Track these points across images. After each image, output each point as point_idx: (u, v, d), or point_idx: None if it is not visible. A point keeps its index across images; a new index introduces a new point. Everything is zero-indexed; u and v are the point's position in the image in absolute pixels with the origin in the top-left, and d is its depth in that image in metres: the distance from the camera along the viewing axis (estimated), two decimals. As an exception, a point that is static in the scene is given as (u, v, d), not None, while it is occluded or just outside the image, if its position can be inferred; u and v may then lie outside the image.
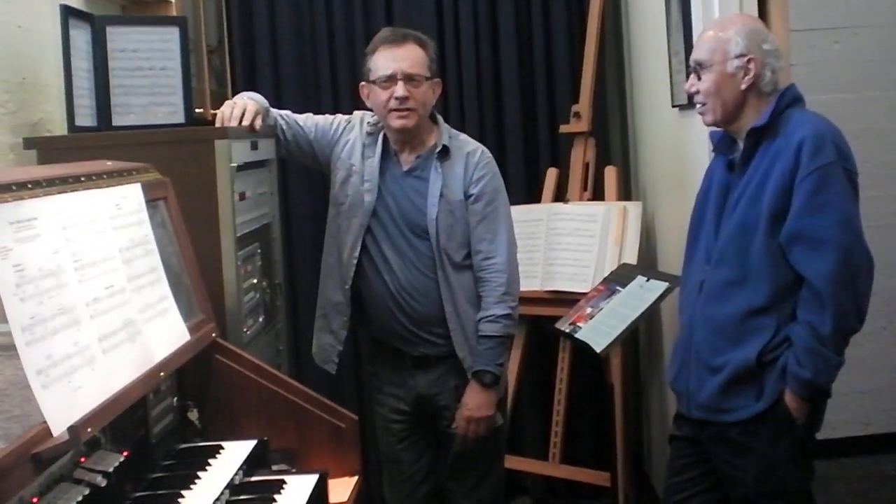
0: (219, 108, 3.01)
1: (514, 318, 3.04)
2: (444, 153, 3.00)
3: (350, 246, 3.02)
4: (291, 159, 3.29)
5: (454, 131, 3.11)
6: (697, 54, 2.63)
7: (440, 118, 3.09)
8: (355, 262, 3.02)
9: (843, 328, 2.44)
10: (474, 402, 2.97)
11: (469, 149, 3.05)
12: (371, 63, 2.99)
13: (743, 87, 2.57)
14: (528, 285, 4.01)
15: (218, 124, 2.88)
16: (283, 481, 2.13)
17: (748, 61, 2.55)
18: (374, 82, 2.97)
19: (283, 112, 3.14)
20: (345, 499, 2.25)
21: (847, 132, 2.56)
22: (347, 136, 3.09)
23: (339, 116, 3.17)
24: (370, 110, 3.10)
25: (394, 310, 3.01)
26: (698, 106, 2.67)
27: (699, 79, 2.62)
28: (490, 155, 3.08)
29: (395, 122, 2.95)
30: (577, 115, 4.22)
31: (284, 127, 3.10)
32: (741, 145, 2.62)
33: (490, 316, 2.97)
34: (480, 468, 3.12)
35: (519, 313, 3.97)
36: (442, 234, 2.95)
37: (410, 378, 3.08)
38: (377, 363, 3.19)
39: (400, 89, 2.91)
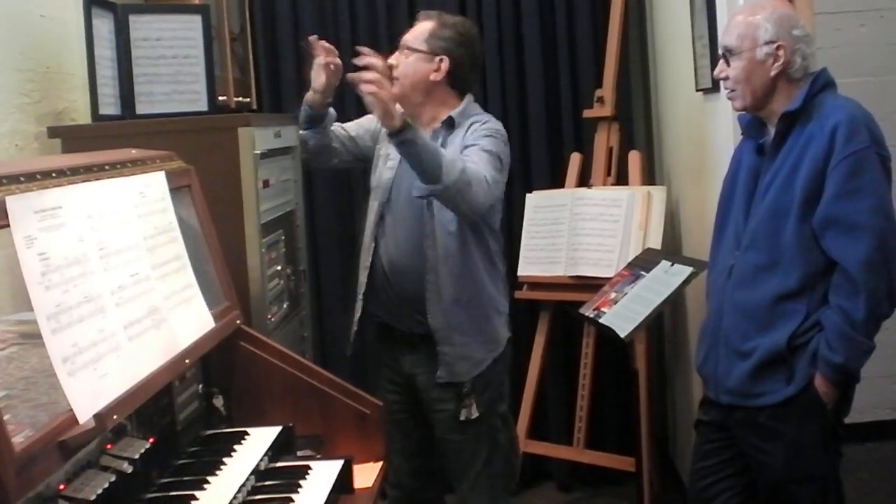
0: (241, 95, 3.02)
1: (454, 179, 2.62)
2: (450, 124, 2.96)
3: (370, 228, 3.02)
4: (341, 165, 3.24)
5: (477, 110, 3.06)
6: (726, 40, 2.59)
7: (469, 97, 3.04)
8: (373, 244, 3.01)
9: (876, 313, 2.42)
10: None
11: (476, 119, 2.98)
12: None
13: (773, 73, 2.54)
14: (551, 270, 4.02)
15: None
16: (309, 467, 2.14)
17: (778, 48, 2.52)
18: None
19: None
20: (370, 484, 2.26)
21: (873, 116, 2.53)
22: None
23: None
24: None
25: (385, 286, 3.00)
26: (727, 92, 2.63)
27: (728, 65, 2.59)
28: (500, 126, 2.98)
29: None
30: (601, 99, 4.20)
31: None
32: (771, 129, 2.59)
33: None
34: (480, 455, 3.03)
35: (543, 299, 4.05)
36: (435, 204, 2.86)
37: (400, 355, 3.08)
38: (377, 337, 3.19)
39: (392, 58, 2.92)
